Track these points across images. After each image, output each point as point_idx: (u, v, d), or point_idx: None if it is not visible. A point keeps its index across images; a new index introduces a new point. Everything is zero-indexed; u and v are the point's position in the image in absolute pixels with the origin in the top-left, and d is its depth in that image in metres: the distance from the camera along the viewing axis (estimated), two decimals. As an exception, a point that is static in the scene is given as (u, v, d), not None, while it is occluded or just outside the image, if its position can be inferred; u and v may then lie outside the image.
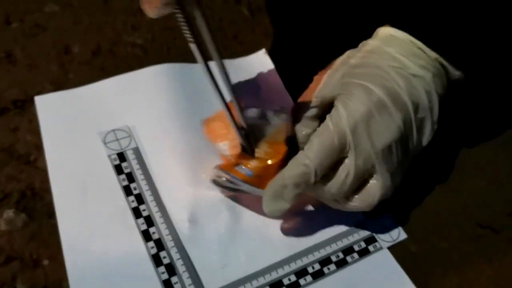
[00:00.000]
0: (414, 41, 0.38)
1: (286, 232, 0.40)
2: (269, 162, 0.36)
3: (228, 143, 0.38)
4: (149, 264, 0.37)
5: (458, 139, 0.48)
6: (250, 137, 0.37)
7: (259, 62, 0.51)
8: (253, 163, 0.37)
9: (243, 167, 0.37)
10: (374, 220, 0.42)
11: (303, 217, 0.41)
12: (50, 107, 0.46)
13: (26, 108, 0.46)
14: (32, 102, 0.46)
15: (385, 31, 0.39)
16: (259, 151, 0.37)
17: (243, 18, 0.57)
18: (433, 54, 0.38)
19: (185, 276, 0.37)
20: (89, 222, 0.39)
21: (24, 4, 0.55)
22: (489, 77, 0.52)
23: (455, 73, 0.39)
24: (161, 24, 0.55)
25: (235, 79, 0.49)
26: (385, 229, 0.41)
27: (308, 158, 0.34)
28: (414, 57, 0.37)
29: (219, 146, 0.39)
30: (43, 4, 0.55)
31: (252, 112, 0.39)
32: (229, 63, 0.51)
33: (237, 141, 0.38)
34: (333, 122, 0.35)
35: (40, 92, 0.47)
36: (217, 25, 0.56)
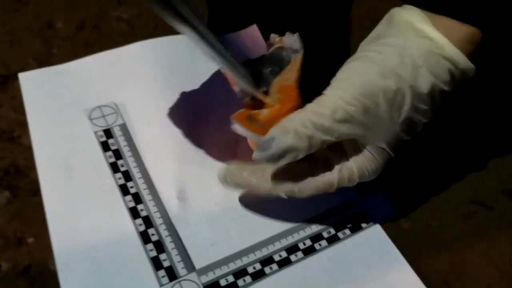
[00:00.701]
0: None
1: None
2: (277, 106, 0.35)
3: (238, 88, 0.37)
4: (137, 241, 0.36)
5: (453, 120, 0.48)
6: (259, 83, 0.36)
7: (249, 38, 0.50)
8: (263, 114, 0.35)
9: (254, 118, 0.35)
10: (367, 197, 0.42)
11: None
12: (34, 84, 0.45)
13: (9, 84, 0.45)
14: (15, 78, 0.45)
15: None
16: (270, 97, 0.36)
17: None
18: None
19: (174, 253, 0.36)
20: (76, 200, 0.38)
21: (5, -23, 0.54)
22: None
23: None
24: (148, -1, 0.53)
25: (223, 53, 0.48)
26: (377, 206, 0.41)
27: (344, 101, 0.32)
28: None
29: (235, 90, 0.37)
30: (25, -22, 0.54)
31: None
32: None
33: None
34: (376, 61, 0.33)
35: (23, 68, 0.46)
36: None
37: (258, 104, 0.36)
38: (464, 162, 0.45)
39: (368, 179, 0.36)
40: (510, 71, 0.50)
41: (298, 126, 0.32)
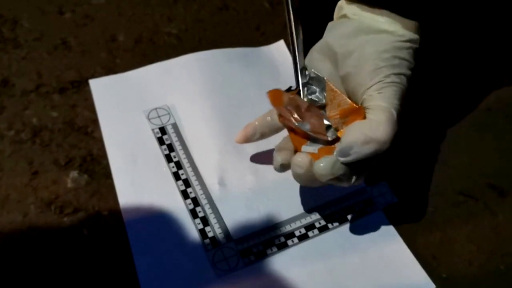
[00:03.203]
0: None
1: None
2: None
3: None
4: (187, 216, 0.46)
5: (448, 120, 0.55)
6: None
7: (278, 51, 0.59)
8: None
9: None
10: (373, 186, 0.50)
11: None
12: (102, 88, 0.54)
13: (82, 88, 0.55)
14: (86, 83, 0.55)
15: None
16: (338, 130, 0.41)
17: (264, 10, 0.65)
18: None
19: (216, 226, 0.45)
20: (139, 183, 0.48)
21: (73, -4, 0.64)
22: (476, 64, 0.59)
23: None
24: (193, 16, 0.63)
25: (256, 65, 0.58)
26: (381, 194, 0.49)
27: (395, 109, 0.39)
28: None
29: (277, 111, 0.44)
30: (90, -4, 0.64)
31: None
32: (251, 51, 0.59)
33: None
34: None
35: (93, 75, 0.56)
36: (242, 17, 0.64)
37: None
38: (456, 158, 0.52)
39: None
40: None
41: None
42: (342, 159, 0.38)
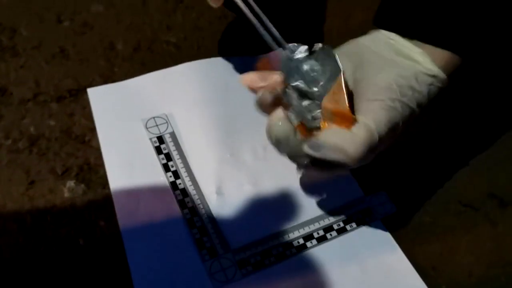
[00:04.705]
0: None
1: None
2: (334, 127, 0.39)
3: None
4: (184, 226, 0.46)
5: (448, 130, 0.55)
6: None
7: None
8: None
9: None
10: (371, 196, 0.50)
11: (314, 189, 0.49)
12: (100, 97, 0.54)
13: (80, 96, 0.55)
14: (84, 91, 0.55)
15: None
16: (323, 128, 0.39)
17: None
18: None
19: (213, 236, 0.45)
20: (137, 193, 0.47)
21: (72, 4, 0.64)
22: (475, 74, 0.59)
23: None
24: (192, 25, 0.63)
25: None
26: (380, 204, 0.49)
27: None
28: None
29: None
30: (89, 4, 0.64)
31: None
32: (250, 59, 0.59)
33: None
34: None
35: (91, 83, 0.56)
36: (240, 25, 0.64)
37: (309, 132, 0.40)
38: (456, 168, 0.52)
39: None
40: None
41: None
42: (308, 150, 0.38)
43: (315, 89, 0.41)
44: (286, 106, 0.41)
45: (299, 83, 0.41)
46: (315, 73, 0.41)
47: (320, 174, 0.40)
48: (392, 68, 0.41)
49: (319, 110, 0.40)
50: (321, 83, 0.41)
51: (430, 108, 0.43)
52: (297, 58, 0.41)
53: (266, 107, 0.40)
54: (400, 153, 0.48)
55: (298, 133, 0.39)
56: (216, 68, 0.57)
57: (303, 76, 0.41)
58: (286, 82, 0.40)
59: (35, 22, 0.61)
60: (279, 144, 0.39)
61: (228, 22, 0.64)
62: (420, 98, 0.41)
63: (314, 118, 0.40)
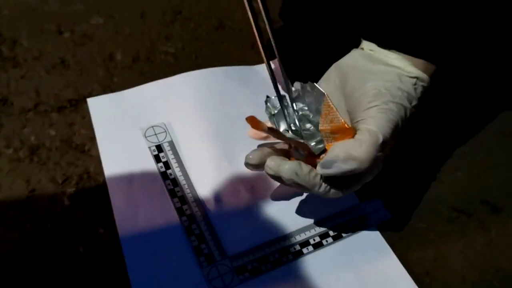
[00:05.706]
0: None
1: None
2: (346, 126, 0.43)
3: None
4: (182, 234, 0.46)
5: (441, 137, 0.56)
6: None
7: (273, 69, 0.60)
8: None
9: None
10: (367, 203, 0.51)
11: (310, 196, 0.50)
12: (100, 107, 0.55)
13: (79, 106, 0.56)
14: (84, 101, 0.56)
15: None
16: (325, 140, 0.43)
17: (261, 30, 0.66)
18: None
19: (211, 243, 0.46)
20: (136, 200, 0.48)
21: (72, 16, 0.65)
22: (468, 79, 0.60)
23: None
24: (190, 35, 0.64)
25: (252, 83, 0.59)
26: (375, 211, 0.50)
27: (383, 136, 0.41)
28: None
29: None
30: (89, 16, 0.65)
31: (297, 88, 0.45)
32: (247, 69, 0.60)
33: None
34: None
35: (90, 93, 0.57)
36: (238, 35, 0.65)
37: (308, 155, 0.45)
38: (449, 175, 0.53)
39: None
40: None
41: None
42: (322, 171, 0.40)
43: (308, 125, 0.45)
44: (290, 146, 0.46)
45: (292, 126, 0.45)
46: (304, 111, 0.46)
47: (339, 193, 0.43)
48: (376, 75, 0.44)
49: (319, 137, 0.44)
50: (311, 115, 0.45)
51: (421, 108, 0.45)
52: (280, 108, 0.45)
53: (254, 167, 0.45)
54: (394, 161, 0.49)
55: (304, 164, 0.41)
56: (214, 77, 0.58)
57: (294, 119, 0.45)
58: (283, 136, 0.44)
59: (35, 33, 0.62)
60: (293, 181, 0.41)
61: (226, 32, 0.65)
62: (410, 97, 0.44)
63: (317, 144, 0.44)
